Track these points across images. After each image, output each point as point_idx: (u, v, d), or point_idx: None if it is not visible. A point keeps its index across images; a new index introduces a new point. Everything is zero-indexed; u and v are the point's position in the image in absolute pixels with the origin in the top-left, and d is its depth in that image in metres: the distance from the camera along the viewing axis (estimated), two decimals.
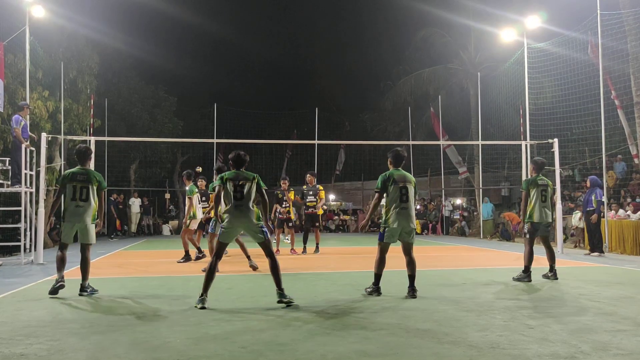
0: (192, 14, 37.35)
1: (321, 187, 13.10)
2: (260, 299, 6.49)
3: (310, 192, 12.71)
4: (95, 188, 6.81)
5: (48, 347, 4.30)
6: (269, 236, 6.25)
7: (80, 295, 6.63)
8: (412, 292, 6.59)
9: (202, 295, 5.93)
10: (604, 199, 13.32)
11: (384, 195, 6.77)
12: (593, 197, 12.44)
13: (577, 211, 15.68)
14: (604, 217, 13.11)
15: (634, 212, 13.77)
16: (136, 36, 28.34)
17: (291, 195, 12.71)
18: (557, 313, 5.56)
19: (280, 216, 12.64)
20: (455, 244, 17.02)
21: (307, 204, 12.72)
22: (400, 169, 6.91)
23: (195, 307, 5.81)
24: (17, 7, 13.18)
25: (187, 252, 10.84)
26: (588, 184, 12.77)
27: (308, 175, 12.98)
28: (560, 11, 18.58)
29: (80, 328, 4.97)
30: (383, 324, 5.07)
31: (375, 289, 6.76)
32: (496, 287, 7.33)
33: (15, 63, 13.46)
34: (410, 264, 6.70)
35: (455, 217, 23.04)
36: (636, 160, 16.26)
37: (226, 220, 6.14)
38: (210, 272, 6.03)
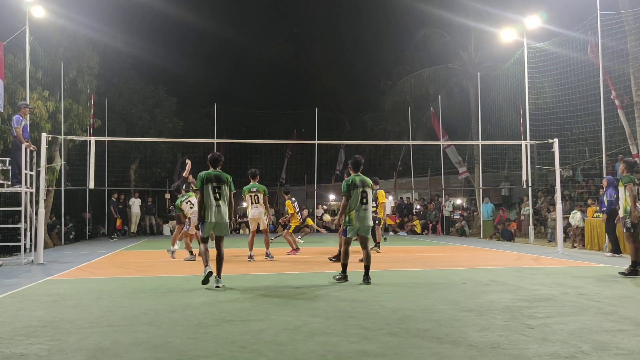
0: (192, 14, 37.42)
1: (379, 189, 12.15)
2: (260, 299, 6.49)
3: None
4: None
5: (48, 347, 4.31)
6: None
7: None
8: (366, 279, 7.54)
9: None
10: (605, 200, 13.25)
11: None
12: (605, 198, 12.44)
13: (575, 211, 15.67)
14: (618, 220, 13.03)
15: None
16: (136, 36, 28.33)
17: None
18: (557, 313, 5.56)
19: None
20: (455, 244, 17.00)
21: None
22: (360, 173, 7.85)
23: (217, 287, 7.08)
24: (17, 7, 13.19)
25: (190, 251, 11.66)
26: (605, 183, 12.69)
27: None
28: (560, 11, 18.56)
29: (80, 328, 4.97)
30: (383, 324, 5.07)
31: (343, 277, 7.74)
32: (496, 287, 7.33)
33: (15, 63, 13.45)
34: (367, 257, 7.69)
35: (455, 217, 23.02)
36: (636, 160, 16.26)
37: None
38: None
